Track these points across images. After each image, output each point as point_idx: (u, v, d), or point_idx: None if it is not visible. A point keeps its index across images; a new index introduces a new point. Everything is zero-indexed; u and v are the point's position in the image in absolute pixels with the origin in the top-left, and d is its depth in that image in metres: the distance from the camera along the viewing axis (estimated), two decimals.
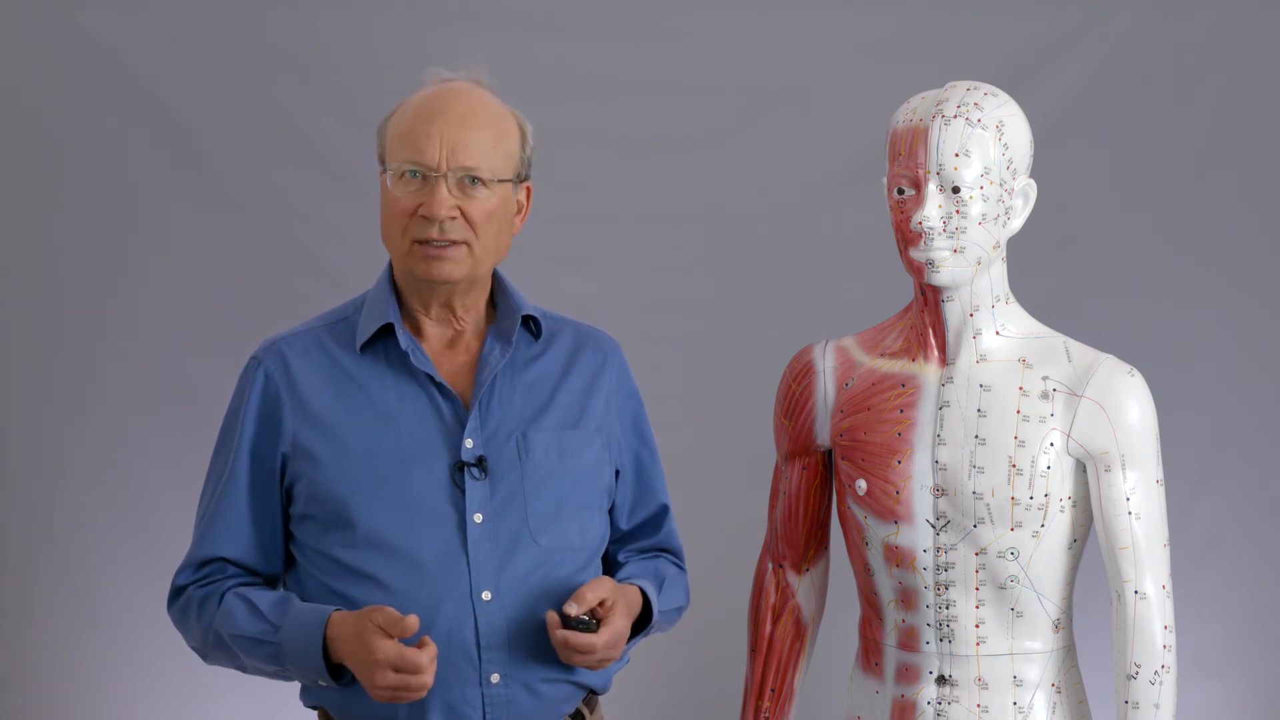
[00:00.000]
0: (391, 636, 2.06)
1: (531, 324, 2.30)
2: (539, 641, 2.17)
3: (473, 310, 2.28)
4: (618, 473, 2.35)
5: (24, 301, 3.52)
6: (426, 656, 2.06)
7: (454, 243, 2.18)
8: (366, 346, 2.24)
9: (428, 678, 2.07)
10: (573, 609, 2.13)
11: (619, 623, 2.17)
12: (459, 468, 2.19)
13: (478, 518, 2.18)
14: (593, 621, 2.15)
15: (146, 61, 3.52)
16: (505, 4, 3.62)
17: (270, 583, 2.28)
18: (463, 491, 2.18)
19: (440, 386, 2.22)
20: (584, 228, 3.63)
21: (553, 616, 2.14)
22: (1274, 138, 3.77)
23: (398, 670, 2.05)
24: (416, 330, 2.26)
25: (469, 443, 2.20)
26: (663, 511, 2.42)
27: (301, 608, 2.16)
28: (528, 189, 2.29)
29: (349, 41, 3.56)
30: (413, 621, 2.06)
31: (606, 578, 2.23)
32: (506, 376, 2.26)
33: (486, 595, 2.16)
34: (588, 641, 2.13)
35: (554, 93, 3.55)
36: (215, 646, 2.22)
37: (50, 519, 3.52)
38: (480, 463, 2.19)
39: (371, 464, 2.18)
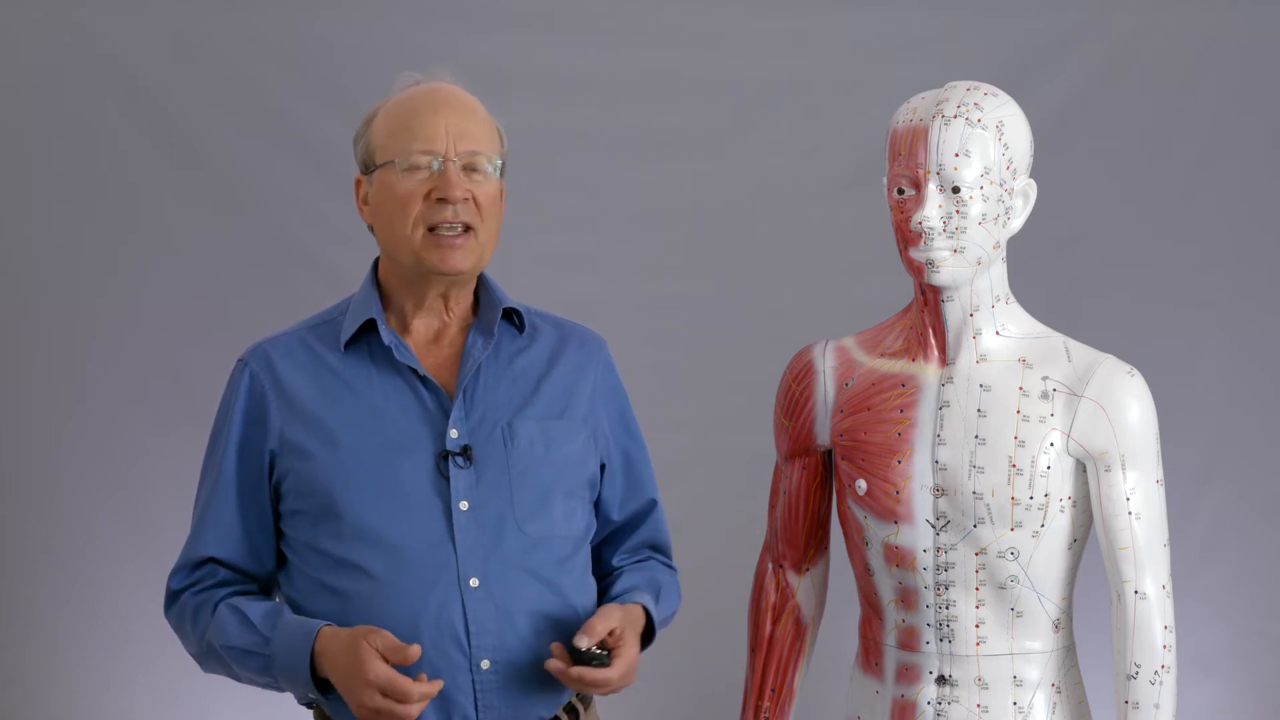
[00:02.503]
0: (388, 661, 2.07)
1: (515, 318, 2.33)
2: (528, 627, 2.19)
3: (461, 304, 2.30)
4: (604, 466, 2.36)
5: (23, 301, 3.52)
6: (419, 691, 2.07)
7: (465, 229, 2.21)
8: (351, 344, 2.26)
9: (414, 710, 2.07)
10: (584, 641, 2.14)
11: (630, 652, 2.19)
12: (443, 456, 2.20)
13: (463, 505, 2.19)
14: (604, 653, 2.15)
15: (146, 61, 3.52)
16: (505, 4, 3.62)
17: (264, 584, 2.29)
18: (447, 480, 2.20)
19: (424, 379, 2.24)
20: (584, 228, 3.63)
21: (558, 648, 2.16)
22: (1274, 137, 3.77)
23: (385, 695, 2.06)
24: (401, 326, 2.29)
25: (453, 432, 2.21)
26: (651, 505, 2.43)
27: (291, 620, 2.17)
28: (501, 188, 2.32)
29: (349, 41, 3.57)
30: (414, 651, 2.07)
31: (614, 605, 2.24)
32: (491, 367, 2.28)
33: (474, 582, 2.17)
34: (603, 676, 2.14)
35: (554, 93, 3.56)
36: (209, 656, 2.24)
37: (49, 518, 3.52)
38: (465, 451, 2.21)
39: (358, 457, 2.20)
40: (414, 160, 2.21)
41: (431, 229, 2.20)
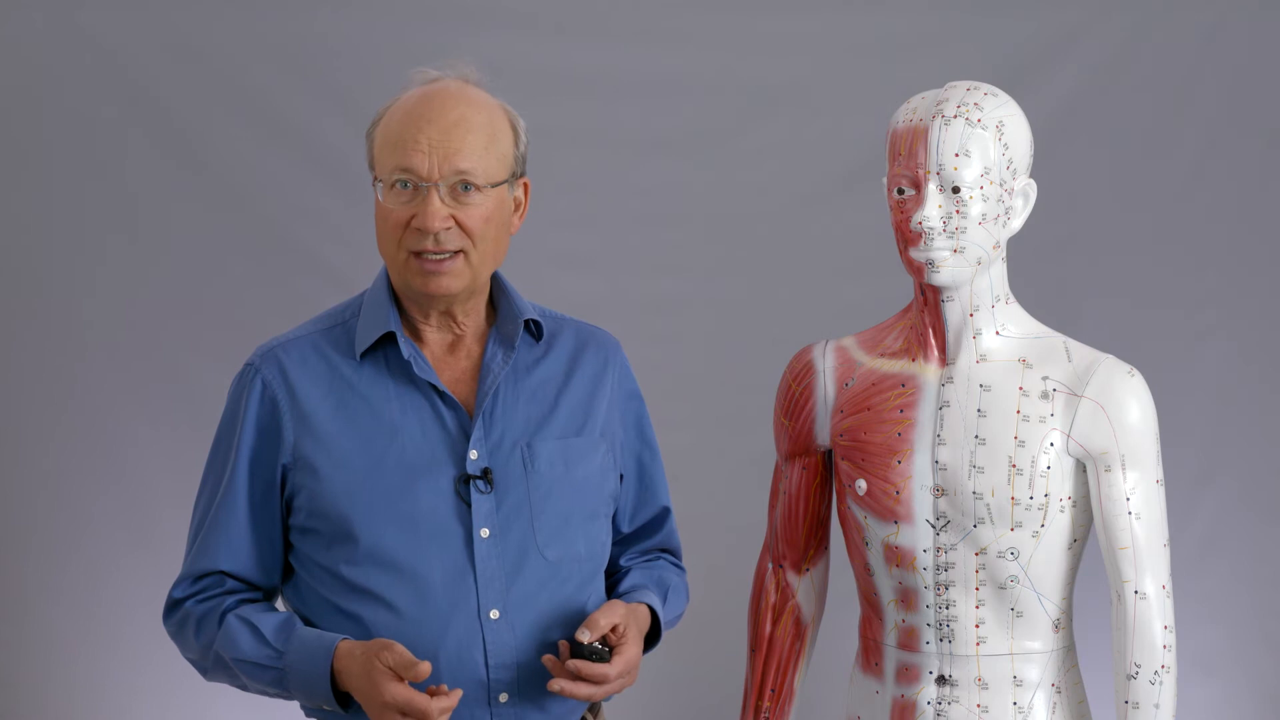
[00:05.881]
0: (401, 679, 2.02)
1: (532, 326, 2.26)
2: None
3: (473, 315, 2.23)
4: (621, 476, 2.33)
5: (22, 301, 3.52)
6: (438, 708, 2.02)
7: (452, 254, 2.13)
8: (366, 353, 2.19)
9: None
10: (585, 635, 2.09)
11: (632, 649, 2.14)
12: (464, 480, 2.15)
13: (484, 532, 2.14)
14: (605, 649, 2.11)
15: (146, 61, 3.52)
16: (505, 4, 3.62)
17: (269, 595, 2.24)
18: (468, 505, 2.14)
19: (443, 395, 2.17)
20: (584, 228, 3.63)
21: (564, 645, 2.12)
22: (1273, 137, 3.77)
23: (405, 715, 2.02)
24: (416, 335, 2.22)
25: (474, 454, 2.16)
26: (664, 514, 2.40)
27: (306, 635, 2.12)
28: (525, 185, 2.24)
29: (349, 41, 3.57)
30: (425, 668, 2.01)
31: (618, 601, 2.19)
32: (509, 383, 2.21)
33: (494, 614, 2.13)
34: (601, 672, 2.09)
35: (554, 93, 3.55)
36: (215, 666, 2.19)
37: (47, 519, 3.52)
38: (485, 475, 2.15)
39: (374, 477, 2.14)
40: (396, 180, 2.13)
41: (416, 254, 2.13)
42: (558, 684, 2.09)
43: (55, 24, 3.50)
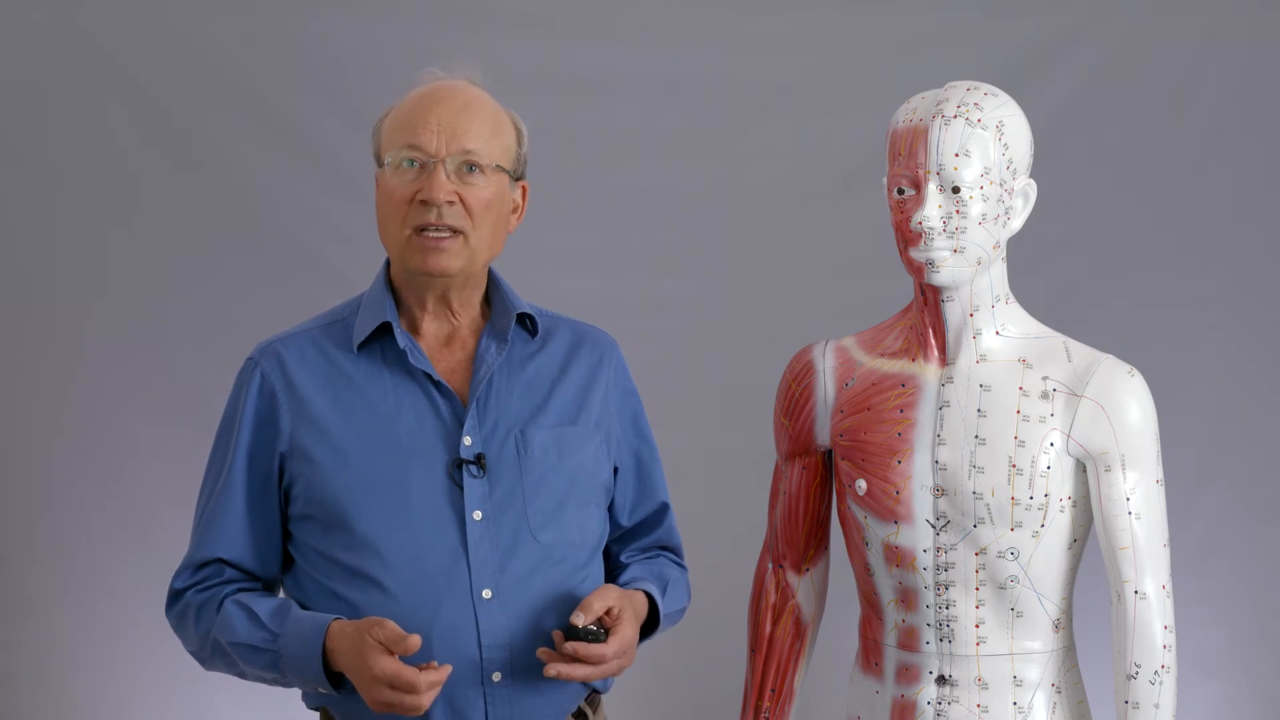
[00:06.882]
0: (392, 653, 2.05)
1: (527, 321, 2.30)
2: (541, 639, 2.16)
3: (468, 307, 2.27)
4: (616, 470, 2.35)
5: (22, 300, 3.52)
6: (426, 681, 2.04)
7: (452, 232, 2.17)
8: (363, 346, 2.23)
9: (424, 699, 2.05)
10: (580, 619, 2.12)
11: (627, 630, 2.16)
12: (457, 465, 2.18)
13: (477, 515, 2.17)
14: (601, 631, 2.13)
15: (146, 61, 3.52)
16: (505, 4, 3.62)
17: (269, 585, 2.27)
18: (461, 490, 2.18)
19: (438, 385, 2.21)
20: (584, 228, 3.63)
21: (558, 635, 2.13)
22: (1273, 138, 3.77)
23: (393, 688, 2.04)
24: (413, 329, 2.26)
25: (467, 440, 2.19)
26: (663, 509, 2.42)
27: (300, 616, 2.15)
28: (523, 189, 2.29)
29: (349, 41, 3.57)
30: (414, 641, 2.04)
31: (612, 585, 2.22)
32: (504, 374, 2.25)
33: (487, 594, 2.16)
34: (597, 652, 2.11)
35: (554, 93, 3.56)
36: (214, 653, 2.21)
37: (47, 518, 3.52)
38: (479, 460, 2.19)
39: (369, 465, 2.18)
40: (402, 158, 2.18)
41: (419, 231, 2.17)
42: (554, 668, 2.11)
43: (55, 24, 3.50)
